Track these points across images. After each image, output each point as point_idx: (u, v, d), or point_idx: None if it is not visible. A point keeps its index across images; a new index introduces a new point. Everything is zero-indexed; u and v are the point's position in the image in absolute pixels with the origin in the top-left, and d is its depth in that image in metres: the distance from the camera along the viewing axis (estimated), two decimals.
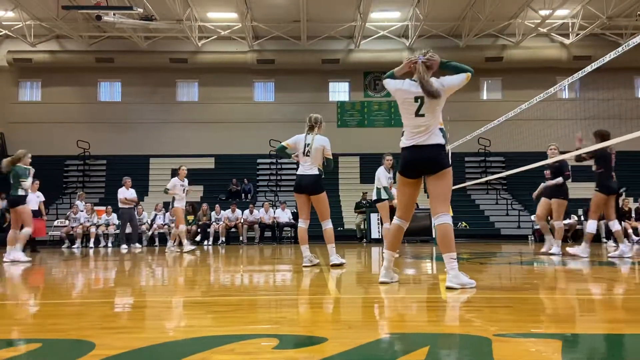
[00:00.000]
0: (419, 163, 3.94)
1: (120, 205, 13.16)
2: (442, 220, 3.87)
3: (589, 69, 7.24)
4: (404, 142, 4.02)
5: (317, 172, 6.27)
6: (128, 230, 13.50)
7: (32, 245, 12.14)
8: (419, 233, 14.64)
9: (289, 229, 16.96)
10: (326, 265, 6.19)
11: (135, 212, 14.18)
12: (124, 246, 13.03)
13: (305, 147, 6.29)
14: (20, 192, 8.26)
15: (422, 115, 3.90)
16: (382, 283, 4.08)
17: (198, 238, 16.12)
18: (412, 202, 4.16)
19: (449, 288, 3.72)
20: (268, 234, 16.71)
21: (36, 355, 2.01)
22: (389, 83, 4.14)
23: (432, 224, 11.99)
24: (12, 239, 8.25)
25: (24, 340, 2.23)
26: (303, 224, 6.37)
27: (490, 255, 8.49)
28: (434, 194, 3.95)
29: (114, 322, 2.68)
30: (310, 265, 6.12)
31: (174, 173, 11.08)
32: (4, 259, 8.00)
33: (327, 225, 6.29)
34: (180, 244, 11.19)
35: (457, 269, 3.80)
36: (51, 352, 2.11)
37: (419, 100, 3.89)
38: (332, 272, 5.45)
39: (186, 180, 11.02)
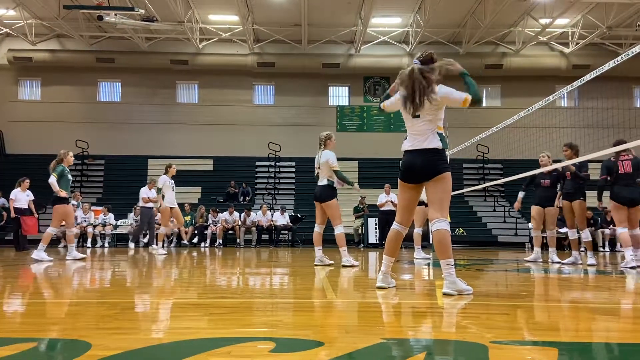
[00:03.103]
0: (415, 168, 3.92)
1: (141, 204, 13.09)
2: (438, 226, 3.85)
3: (587, 77, 7.26)
4: (404, 145, 4.04)
5: (326, 183, 7.09)
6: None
7: (22, 244, 12.11)
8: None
9: (287, 232, 16.94)
10: (336, 267, 6.22)
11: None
12: (132, 246, 12.99)
13: (316, 163, 7.23)
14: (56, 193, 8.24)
15: (418, 117, 3.91)
16: (379, 288, 4.07)
17: (195, 240, 16.09)
18: (411, 207, 4.14)
19: (445, 294, 3.72)
20: (265, 236, 16.68)
21: (31, 354, 2.01)
22: (386, 105, 4.27)
23: (430, 230, 12.01)
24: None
25: (18, 340, 2.22)
26: (317, 229, 7.24)
27: (487, 262, 8.49)
28: (431, 199, 3.93)
29: (110, 323, 2.67)
30: (321, 264, 6.93)
31: (166, 170, 11.01)
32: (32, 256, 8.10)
33: (338, 230, 7.13)
34: (178, 243, 11.12)
35: (454, 275, 3.80)
36: (46, 351, 2.11)
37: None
38: (330, 276, 5.45)
39: (172, 180, 11.01)
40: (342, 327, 2.70)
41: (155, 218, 16.04)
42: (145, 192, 13.02)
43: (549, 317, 3.17)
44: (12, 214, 11.89)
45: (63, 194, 8.16)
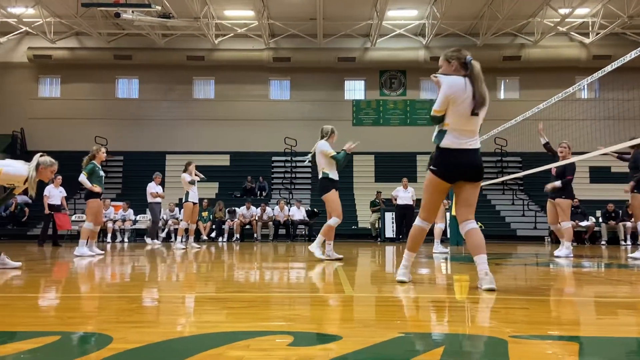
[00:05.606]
0: (473, 166, 3.80)
1: (150, 200, 13.15)
2: (474, 224, 3.83)
3: (609, 68, 7.13)
4: (454, 142, 3.78)
5: (321, 175, 6.97)
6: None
7: (53, 240, 12.33)
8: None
9: (303, 226, 16.98)
10: (352, 262, 6.22)
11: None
12: (157, 241, 13.11)
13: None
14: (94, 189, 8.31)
15: (476, 115, 3.79)
16: (401, 282, 4.05)
17: (213, 234, 16.23)
18: (440, 206, 4.11)
19: (490, 290, 3.61)
20: (282, 231, 16.75)
21: (55, 347, 2.04)
22: (439, 109, 3.89)
23: (447, 225, 11.92)
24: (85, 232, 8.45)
25: (42, 333, 2.26)
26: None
27: (505, 256, 8.42)
28: (469, 200, 3.85)
29: (130, 317, 2.71)
30: (328, 259, 6.84)
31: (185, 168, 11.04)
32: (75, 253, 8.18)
33: (329, 222, 6.95)
34: (197, 239, 11.13)
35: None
36: (69, 344, 2.14)
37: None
38: (348, 270, 5.45)
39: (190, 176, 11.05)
40: (359, 321, 2.71)
41: (172, 213, 16.23)
42: (153, 187, 13.11)
43: (569, 311, 3.13)
44: (46, 210, 12.10)
45: (97, 189, 8.25)
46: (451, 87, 3.75)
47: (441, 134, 3.83)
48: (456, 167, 3.79)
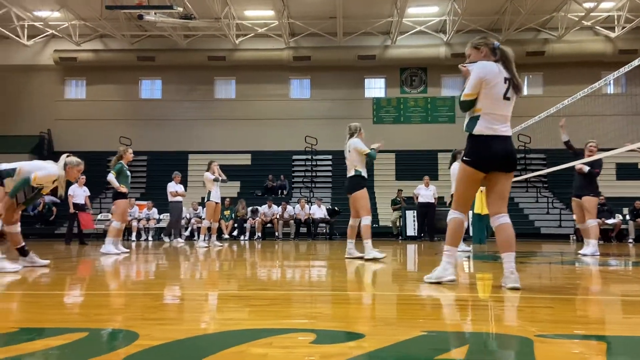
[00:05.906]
0: (511, 156, 3.68)
1: (170, 199, 13.35)
2: (507, 219, 3.70)
3: (635, 62, 6.97)
4: (485, 127, 3.66)
5: (352, 174, 6.91)
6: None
7: (80, 238, 12.60)
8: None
9: (324, 225, 17.00)
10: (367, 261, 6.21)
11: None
12: (180, 240, 13.33)
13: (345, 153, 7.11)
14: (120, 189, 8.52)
15: (508, 99, 3.76)
16: (451, 281, 3.91)
17: (235, 233, 16.36)
18: (473, 198, 4.03)
19: (515, 289, 3.55)
20: (303, 229, 16.79)
21: (83, 343, 2.08)
22: (470, 93, 3.77)
23: (470, 221, 11.78)
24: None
25: (71, 330, 2.31)
26: (351, 222, 7.09)
27: (530, 255, 8.30)
28: (502, 193, 3.72)
29: (155, 314, 2.74)
30: (350, 257, 6.87)
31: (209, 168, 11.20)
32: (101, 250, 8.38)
33: (363, 222, 6.87)
34: (219, 237, 11.25)
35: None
36: (97, 341, 2.18)
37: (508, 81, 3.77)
38: (369, 268, 5.44)
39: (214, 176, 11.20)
40: (382, 319, 2.70)
41: (195, 212, 16.41)
42: (172, 186, 13.29)
43: (596, 310, 3.07)
44: (71, 210, 12.38)
45: (123, 189, 8.44)
46: (484, 69, 3.71)
47: (473, 120, 3.73)
48: (491, 155, 3.66)
